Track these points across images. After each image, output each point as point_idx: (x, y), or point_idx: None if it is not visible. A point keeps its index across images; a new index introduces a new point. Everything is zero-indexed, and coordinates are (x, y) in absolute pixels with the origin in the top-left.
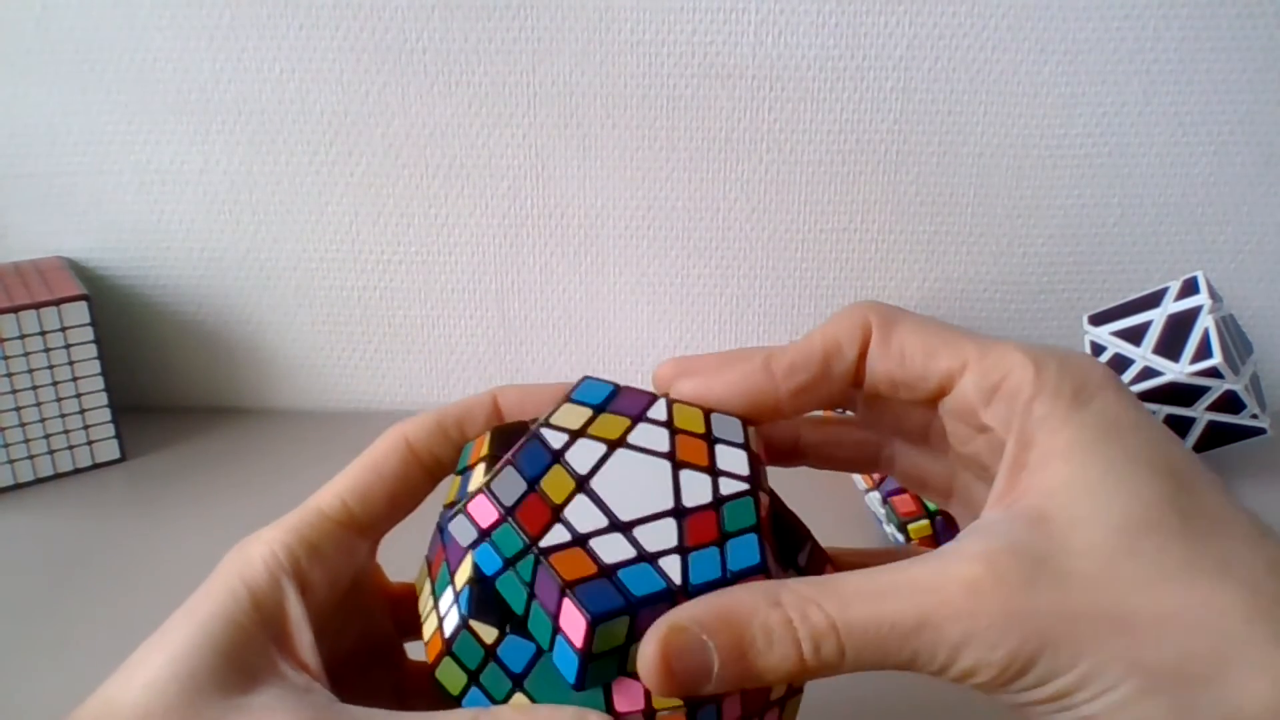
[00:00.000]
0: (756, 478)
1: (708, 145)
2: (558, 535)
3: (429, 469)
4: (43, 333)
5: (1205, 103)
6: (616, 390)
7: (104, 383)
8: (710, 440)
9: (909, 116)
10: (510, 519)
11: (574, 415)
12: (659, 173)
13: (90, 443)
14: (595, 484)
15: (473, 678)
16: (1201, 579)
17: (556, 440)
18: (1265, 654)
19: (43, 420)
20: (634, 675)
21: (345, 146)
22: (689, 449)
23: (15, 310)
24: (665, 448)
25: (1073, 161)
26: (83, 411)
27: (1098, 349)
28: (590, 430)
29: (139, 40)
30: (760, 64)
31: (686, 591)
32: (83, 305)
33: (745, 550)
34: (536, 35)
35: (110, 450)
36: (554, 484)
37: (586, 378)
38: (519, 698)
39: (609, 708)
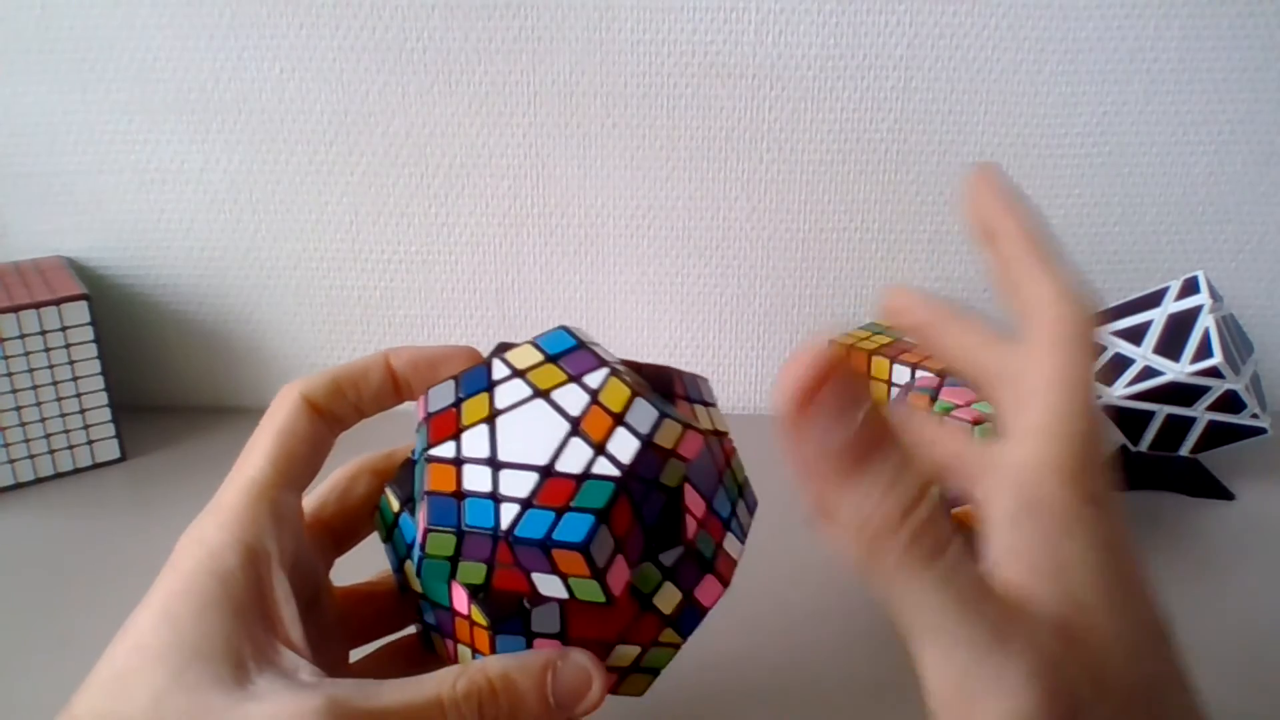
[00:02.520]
0: (636, 469)
1: (708, 144)
2: (446, 450)
3: (330, 427)
4: (43, 332)
5: (1205, 102)
6: (577, 346)
7: (104, 382)
8: (618, 421)
9: (909, 116)
10: (426, 423)
11: (528, 356)
12: (659, 172)
13: (90, 443)
14: (501, 420)
15: (389, 533)
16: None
17: (500, 372)
18: None
19: (43, 420)
20: (463, 585)
21: (345, 146)
22: (594, 422)
23: (15, 310)
24: (576, 412)
25: (1073, 161)
26: (83, 411)
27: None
28: (529, 374)
29: (139, 40)
30: (760, 63)
31: (509, 539)
32: (83, 305)
33: (576, 526)
34: (536, 35)
35: (110, 450)
36: (472, 408)
37: (561, 327)
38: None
39: (449, 604)
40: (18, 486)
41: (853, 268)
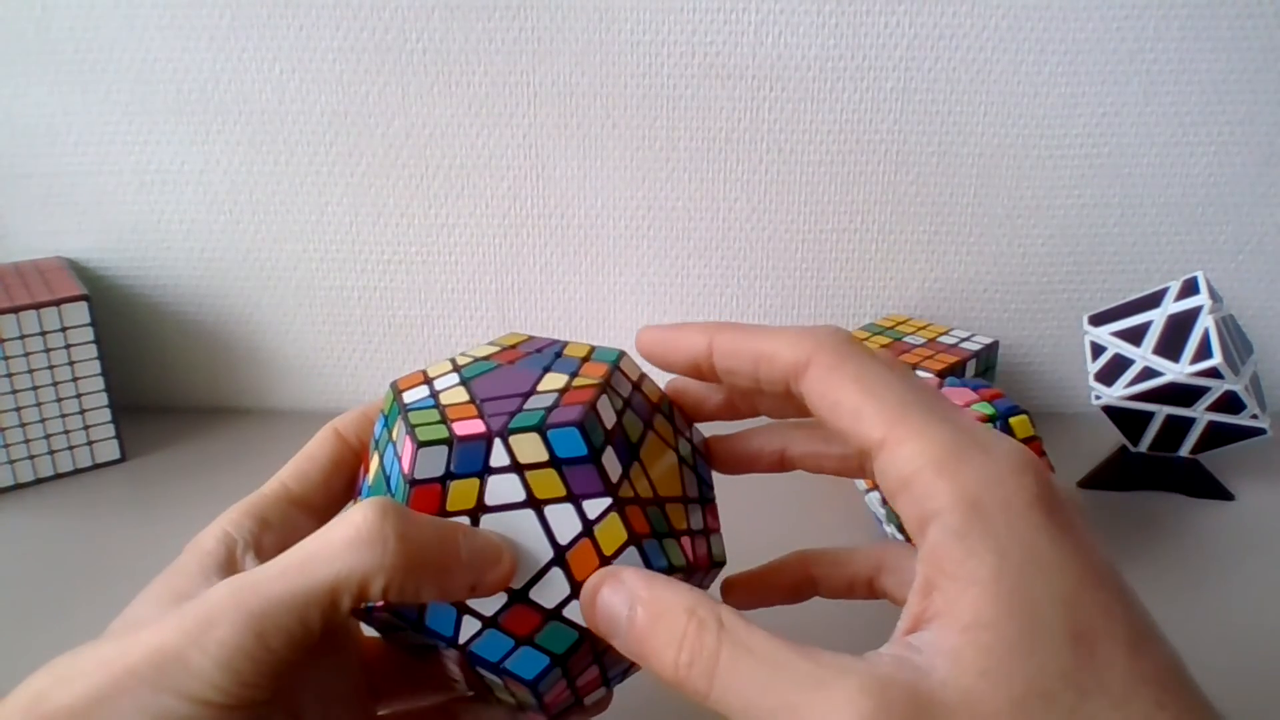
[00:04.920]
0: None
1: (708, 145)
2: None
3: (355, 449)
4: (43, 333)
5: (1205, 103)
6: (587, 457)
7: (104, 383)
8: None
9: (909, 116)
10: (410, 486)
11: (533, 450)
12: (659, 173)
13: (90, 443)
14: (485, 520)
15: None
16: None
17: (498, 459)
18: None
19: (43, 420)
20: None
21: (345, 146)
22: (580, 559)
23: (15, 310)
24: (565, 541)
25: (1073, 161)
26: (83, 412)
27: (1098, 349)
28: (528, 474)
29: (139, 40)
30: (760, 64)
31: (465, 651)
32: (83, 305)
33: (530, 663)
34: (536, 35)
35: (110, 450)
36: (460, 492)
37: (578, 425)
38: None
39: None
40: (18, 487)
41: (853, 268)
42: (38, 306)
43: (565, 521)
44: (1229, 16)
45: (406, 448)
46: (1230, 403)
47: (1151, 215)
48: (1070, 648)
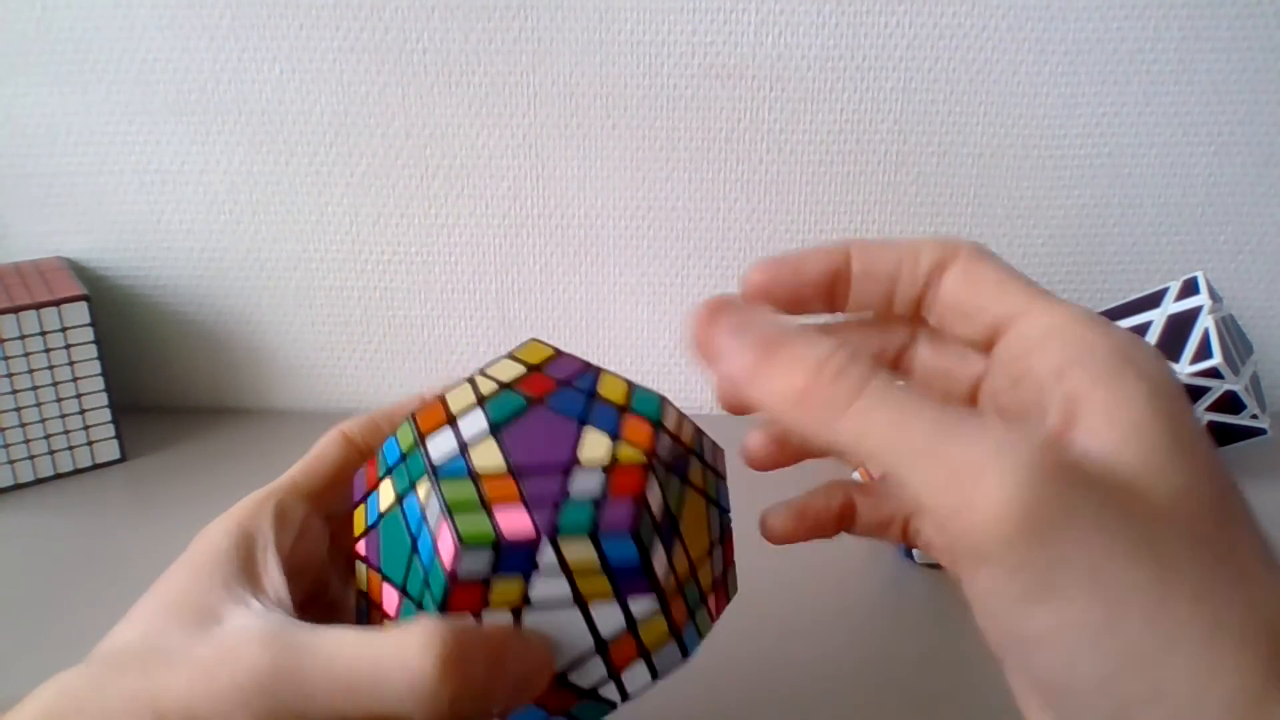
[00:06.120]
0: (638, 694)
1: (708, 145)
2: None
3: (364, 454)
4: (43, 333)
5: (1205, 103)
6: (638, 567)
7: (104, 383)
8: (644, 655)
9: (909, 116)
10: (450, 584)
11: (583, 554)
12: (659, 173)
13: (90, 443)
14: (528, 616)
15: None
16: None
17: (546, 558)
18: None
19: (43, 420)
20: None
21: (345, 146)
22: (621, 650)
23: (15, 310)
24: (607, 635)
25: (1073, 161)
26: (83, 412)
27: None
28: (577, 577)
29: (139, 40)
30: (760, 64)
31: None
32: (83, 305)
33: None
34: (536, 35)
35: (110, 450)
36: (503, 590)
37: (632, 534)
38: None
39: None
40: (18, 487)
41: None
42: (38, 306)
43: (609, 618)
44: (1229, 17)
45: (445, 539)
46: (1230, 403)
47: (1151, 215)
48: (1216, 499)
